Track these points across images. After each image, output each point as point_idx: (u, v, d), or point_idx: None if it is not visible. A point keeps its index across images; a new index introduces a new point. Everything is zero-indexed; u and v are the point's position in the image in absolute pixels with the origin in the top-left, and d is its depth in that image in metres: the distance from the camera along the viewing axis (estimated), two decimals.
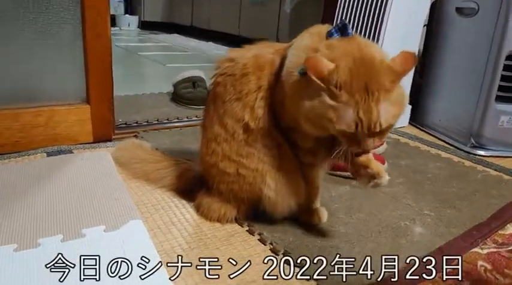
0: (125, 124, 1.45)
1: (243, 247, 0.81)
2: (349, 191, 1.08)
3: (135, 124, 1.46)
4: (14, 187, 0.96)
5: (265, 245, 0.82)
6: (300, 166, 0.84)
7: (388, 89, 0.64)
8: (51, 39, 1.18)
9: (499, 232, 0.92)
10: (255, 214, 0.88)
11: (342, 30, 0.72)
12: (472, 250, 0.84)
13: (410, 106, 1.76)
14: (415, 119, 1.78)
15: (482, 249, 0.85)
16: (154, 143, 1.27)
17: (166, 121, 1.53)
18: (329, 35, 0.73)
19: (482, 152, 1.46)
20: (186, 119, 1.57)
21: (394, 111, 0.66)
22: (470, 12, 1.53)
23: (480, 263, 0.80)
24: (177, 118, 1.56)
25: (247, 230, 0.87)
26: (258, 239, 0.83)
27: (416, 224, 0.94)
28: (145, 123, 1.48)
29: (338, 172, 1.14)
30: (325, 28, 0.75)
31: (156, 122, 1.51)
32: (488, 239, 0.89)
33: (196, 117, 1.56)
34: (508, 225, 0.95)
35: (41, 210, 0.87)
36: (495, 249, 0.85)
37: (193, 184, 0.96)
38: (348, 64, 0.65)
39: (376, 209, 1.00)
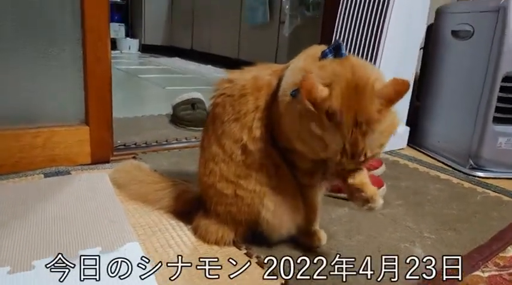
0: (124, 145, 1.45)
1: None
2: (349, 213, 1.07)
3: (134, 146, 1.46)
4: (10, 209, 0.95)
5: (263, 268, 0.80)
6: (299, 187, 0.83)
7: (377, 120, 0.64)
8: (52, 61, 1.19)
9: (500, 254, 0.91)
10: (253, 236, 0.87)
11: (336, 51, 0.72)
12: (473, 273, 0.83)
13: (408, 128, 1.77)
14: (414, 141, 1.79)
15: (483, 272, 0.83)
16: (152, 164, 1.27)
17: (165, 142, 1.53)
18: (323, 55, 0.73)
19: (481, 174, 1.46)
20: (184, 140, 1.57)
21: (381, 140, 0.66)
22: (466, 35, 1.56)
23: None
24: (176, 140, 1.57)
25: (245, 253, 0.85)
26: (256, 263, 0.82)
27: (416, 247, 0.93)
28: (144, 145, 1.48)
29: (337, 194, 1.14)
30: (321, 49, 0.76)
31: (155, 144, 1.51)
32: (489, 262, 0.88)
33: (195, 138, 1.56)
34: (509, 247, 0.94)
35: (36, 232, 0.86)
36: (497, 272, 0.84)
37: (192, 206, 0.95)
38: (340, 91, 0.64)
39: (376, 231, 0.99)
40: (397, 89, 0.64)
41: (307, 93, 0.64)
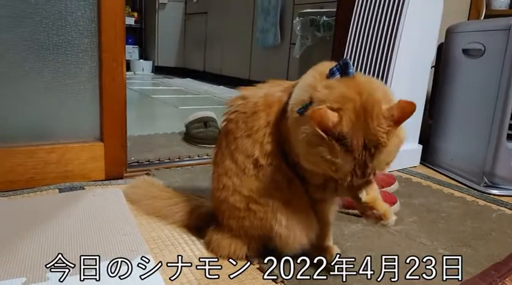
0: (137, 162, 1.47)
1: None
2: (362, 229, 1.06)
3: (147, 163, 1.48)
4: (25, 222, 0.96)
5: (276, 283, 0.80)
6: (311, 201, 0.83)
7: (384, 144, 0.64)
8: (68, 79, 1.23)
9: None
10: (265, 251, 0.87)
11: (343, 69, 0.72)
12: None
13: (421, 146, 1.76)
14: (426, 159, 1.78)
15: None
16: (165, 181, 1.28)
17: (177, 159, 1.55)
18: (330, 73, 0.72)
19: (496, 192, 1.44)
20: (197, 157, 1.58)
21: (388, 159, 0.67)
22: (477, 53, 1.56)
23: None
24: (189, 157, 1.58)
25: (257, 268, 0.85)
26: (272, 280, 0.81)
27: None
28: (157, 162, 1.50)
29: (350, 211, 1.13)
30: (330, 65, 0.76)
31: (168, 160, 1.52)
32: (507, 279, 0.86)
33: (207, 155, 1.58)
34: None
35: (51, 244, 0.86)
36: None
37: (204, 221, 0.96)
38: (349, 116, 0.65)
39: (390, 248, 0.97)
40: (404, 111, 0.65)
41: (319, 122, 0.64)
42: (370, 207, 0.75)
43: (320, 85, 0.71)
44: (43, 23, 1.16)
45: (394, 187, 1.35)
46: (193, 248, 0.91)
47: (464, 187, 1.50)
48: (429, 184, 1.49)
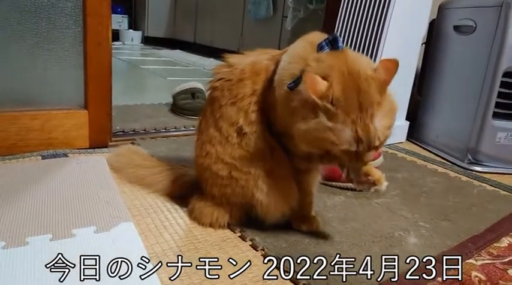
0: (122, 131, 1.45)
1: (235, 252, 0.80)
2: (344, 201, 1.07)
3: (132, 132, 1.46)
4: (5, 187, 0.95)
5: (256, 250, 0.81)
6: (294, 171, 0.83)
7: (379, 102, 0.65)
8: (52, 44, 1.19)
9: (494, 244, 0.91)
10: (248, 220, 0.88)
11: (332, 43, 0.72)
12: (466, 261, 0.83)
13: (408, 123, 1.77)
14: (413, 135, 1.79)
15: (476, 260, 0.84)
16: (150, 150, 1.26)
17: (163, 130, 1.53)
18: (319, 47, 0.72)
19: (479, 169, 1.46)
20: (183, 128, 1.57)
21: (387, 122, 0.67)
22: (468, 30, 1.55)
23: (474, 273, 0.78)
24: (175, 128, 1.57)
25: (239, 236, 0.85)
26: (250, 245, 0.82)
27: (410, 235, 0.93)
28: (143, 131, 1.48)
29: (334, 183, 1.14)
30: (321, 36, 0.76)
31: (154, 131, 1.51)
32: (483, 251, 0.88)
33: (193, 126, 1.56)
34: (503, 238, 0.95)
35: (31, 210, 0.86)
36: (490, 261, 0.84)
37: (188, 189, 0.96)
38: (339, 81, 0.65)
39: (371, 219, 0.99)
40: (389, 68, 0.66)
41: (312, 88, 0.64)
42: (366, 174, 0.76)
43: (311, 58, 0.71)
44: None
45: (379, 161, 1.36)
46: (176, 216, 0.91)
47: (448, 163, 1.52)
48: (414, 160, 1.51)
